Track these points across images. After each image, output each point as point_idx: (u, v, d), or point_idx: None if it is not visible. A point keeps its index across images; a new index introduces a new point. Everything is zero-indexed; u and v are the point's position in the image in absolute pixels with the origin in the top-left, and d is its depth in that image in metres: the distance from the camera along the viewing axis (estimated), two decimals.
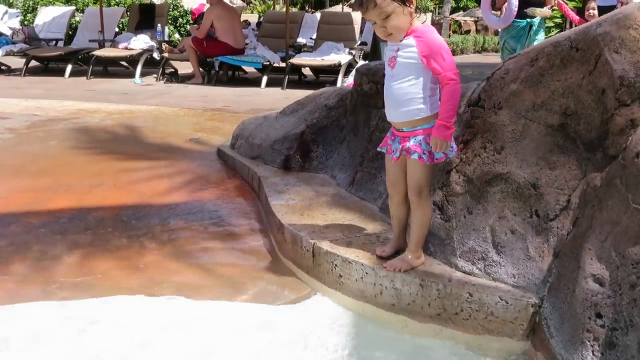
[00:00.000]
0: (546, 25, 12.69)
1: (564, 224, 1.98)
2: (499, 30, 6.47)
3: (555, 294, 1.87)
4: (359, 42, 8.91)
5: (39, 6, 11.91)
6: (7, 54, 9.18)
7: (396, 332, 2.10)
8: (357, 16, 9.50)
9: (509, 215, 2.08)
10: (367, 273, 2.19)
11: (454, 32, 20.50)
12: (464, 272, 2.12)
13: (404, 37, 1.98)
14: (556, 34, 11.89)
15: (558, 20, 12.64)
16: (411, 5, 1.94)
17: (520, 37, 6.02)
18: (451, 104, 1.94)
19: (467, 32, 21.13)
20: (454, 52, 16.04)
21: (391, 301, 2.14)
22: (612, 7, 4.72)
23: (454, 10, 21.42)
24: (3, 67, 9.54)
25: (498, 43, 6.81)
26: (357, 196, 2.99)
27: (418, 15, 1.99)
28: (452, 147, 2.04)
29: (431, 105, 2.00)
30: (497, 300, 1.95)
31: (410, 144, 2.04)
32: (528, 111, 2.11)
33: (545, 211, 2.01)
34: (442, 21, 14.88)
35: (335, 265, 2.29)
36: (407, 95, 2.01)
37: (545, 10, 5.97)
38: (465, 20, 20.82)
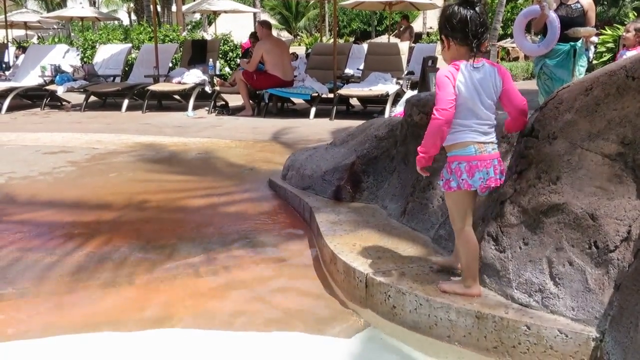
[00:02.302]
0: (598, 50, 12.46)
1: (625, 255, 1.93)
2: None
3: (617, 327, 1.82)
4: (406, 72, 8.95)
5: (97, 44, 12.50)
6: (69, 90, 9.63)
7: None
8: (404, 46, 9.57)
9: (566, 246, 2.05)
10: (421, 304, 2.19)
11: (502, 59, 20.33)
12: (521, 304, 2.09)
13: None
14: (610, 58, 11.65)
15: (610, 45, 12.39)
16: (443, 44, 2.12)
17: (565, 63, 5.57)
18: (426, 136, 2.11)
19: (516, 59, 20.91)
20: None
21: (446, 333, 2.13)
22: None
23: (501, 38, 21.26)
24: (64, 103, 10.02)
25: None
26: (409, 226, 2.99)
27: (474, 55, 2.08)
28: (465, 179, 2.09)
29: (449, 136, 2.12)
30: (557, 333, 1.92)
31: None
32: (584, 141, 2.09)
33: (605, 242, 1.97)
34: (489, 48, 14.78)
35: (389, 296, 2.29)
36: None
37: (590, 29, 5.50)
38: (513, 47, 20.61)
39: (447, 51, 2.11)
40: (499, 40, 19.58)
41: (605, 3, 19.26)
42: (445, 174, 2.15)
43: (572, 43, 5.55)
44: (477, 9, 2.03)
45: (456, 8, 2.04)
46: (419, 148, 2.14)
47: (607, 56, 12.23)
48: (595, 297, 1.95)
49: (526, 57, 18.82)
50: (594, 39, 5.57)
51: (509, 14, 23.61)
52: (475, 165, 2.09)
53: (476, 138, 2.10)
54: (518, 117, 2.20)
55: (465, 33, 2.04)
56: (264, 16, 26.89)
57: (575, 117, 2.13)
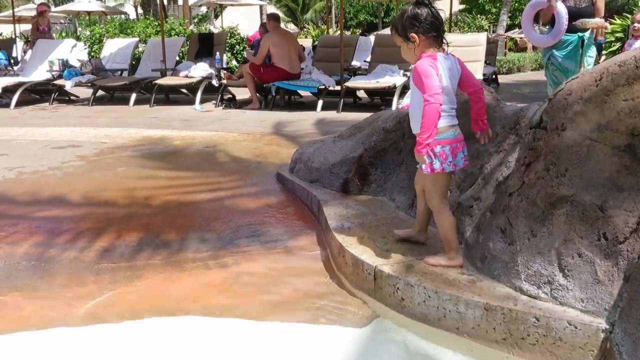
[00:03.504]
0: (607, 39, 12.36)
1: (634, 246, 1.92)
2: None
3: (627, 319, 1.82)
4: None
5: (104, 38, 12.52)
6: (76, 84, 9.67)
7: (462, 355, 2.09)
8: None
9: (575, 238, 2.05)
10: (429, 296, 2.19)
11: (510, 50, 20.20)
12: (530, 296, 2.09)
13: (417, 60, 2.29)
14: (619, 48, 11.55)
15: (619, 35, 12.29)
16: (414, 42, 2.26)
17: (573, 54, 5.57)
18: (426, 122, 2.19)
19: (524, 49, 20.78)
20: (510, 71, 15.82)
21: (455, 325, 2.13)
22: None
23: (509, 28, 21.12)
24: (72, 97, 10.06)
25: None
26: None
27: (442, 45, 2.29)
28: (455, 162, 2.30)
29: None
30: (566, 325, 1.92)
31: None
32: (593, 132, 2.08)
33: (614, 234, 1.97)
34: (497, 39, 14.69)
35: (397, 288, 2.30)
36: (413, 112, 2.36)
37: (598, 20, 5.48)
38: (521, 38, 20.49)
39: (417, 47, 2.27)
40: (507, 31, 19.46)
41: None
42: (426, 158, 2.27)
43: (580, 34, 5.50)
44: (431, 8, 2.27)
45: (417, 8, 2.26)
46: (420, 136, 2.21)
47: (616, 45, 12.13)
48: (605, 288, 1.95)
49: (534, 48, 18.70)
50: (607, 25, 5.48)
51: (516, 4, 23.46)
52: (456, 147, 2.32)
53: (452, 121, 2.31)
54: (480, 96, 2.41)
55: (434, 26, 2.26)
56: (270, 8, 26.85)
57: (584, 108, 2.12)
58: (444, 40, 2.29)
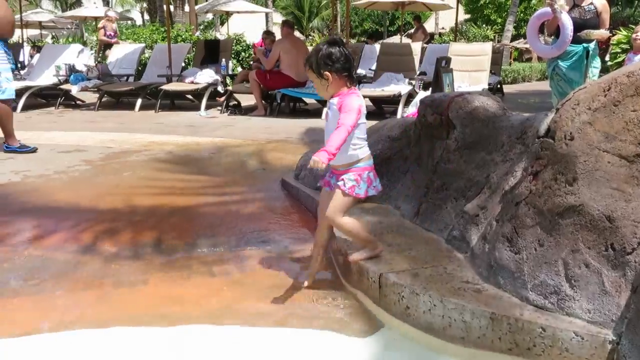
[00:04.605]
0: (613, 50, 12.36)
1: None
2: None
3: (634, 330, 1.81)
4: (418, 72, 8.93)
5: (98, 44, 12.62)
6: (83, 89, 9.71)
7: None
8: (416, 47, 9.56)
9: (582, 248, 2.04)
10: (435, 305, 2.18)
11: (515, 60, 20.21)
12: (536, 306, 2.08)
13: (331, 97, 2.42)
14: (624, 59, 11.54)
15: (625, 46, 12.28)
16: (327, 80, 2.38)
17: (577, 65, 5.55)
18: (339, 141, 2.28)
19: (529, 59, 20.78)
20: (515, 81, 15.82)
21: (460, 334, 2.12)
22: None
23: (514, 38, 21.14)
24: (79, 102, 10.10)
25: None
26: (422, 227, 2.98)
27: (351, 86, 2.42)
28: (376, 186, 2.48)
29: (353, 151, 2.42)
30: (572, 335, 1.90)
31: (343, 178, 2.44)
32: (601, 142, 2.07)
33: (622, 244, 1.96)
34: (502, 49, 14.70)
35: (403, 296, 2.29)
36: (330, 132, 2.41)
37: (602, 32, 5.48)
38: (526, 48, 20.50)
39: (331, 85, 2.39)
40: (511, 41, 19.48)
41: (620, 3, 19.10)
42: (351, 181, 2.42)
43: (585, 45, 5.50)
44: (343, 47, 2.39)
45: (330, 48, 2.37)
46: (328, 147, 2.28)
47: (622, 57, 12.11)
48: (612, 299, 1.94)
49: (539, 58, 18.71)
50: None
51: (522, 15, 23.49)
52: (375, 173, 2.51)
53: (369, 150, 2.49)
54: None
55: (346, 66, 2.38)
56: (277, 16, 26.93)
57: (592, 118, 2.11)
58: (353, 78, 2.44)
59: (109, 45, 12.43)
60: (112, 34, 12.71)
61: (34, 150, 5.76)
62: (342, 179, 2.44)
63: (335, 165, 2.47)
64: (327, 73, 2.37)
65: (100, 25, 13.56)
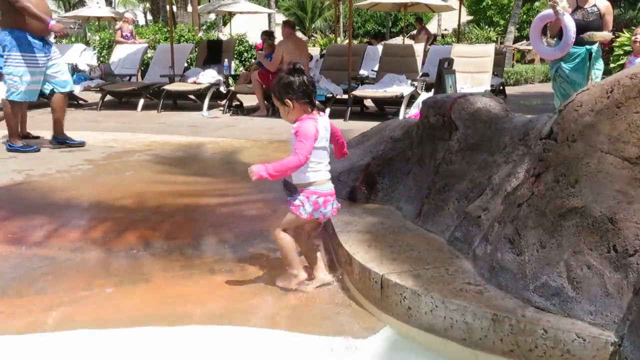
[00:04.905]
0: (616, 53, 12.35)
1: None
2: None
3: (636, 332, 1.80)
4: (420, 74, 8.94)
5: (114, 44, 12.61)
6: (85, 89, 9.72)
7: None
8: (419, 48, 9.56)
9: (584, 250, 2.04)
10: (437, 306, 2.18)
11: (518, 61, 20.20)
12: (538, 307, 2.08)
13: (295, 121, 2.53)
14: (625, 62, 11.52)
15: (628, 48, 12.27)
16: (289, 106, 2.51)
17: (580, 67, 5.54)
18: (282, 166, 2.43)
19: (531, 61, 20.77)
20: (518, 82, 15.81)
21: (462, 335, 2.12)
22: None
23: (516, 40, 21.12)
24: (81, 102, 10.11)
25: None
26: (424, 228, 2.98)
27: (312, 111, 2.53)
28: (323, 212, 2.56)
29: (304, 174, 2.52)
30: (574, 337, 1.90)
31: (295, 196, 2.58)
32: (603, 144, 2.07)
33: (624, 246, 1.95)
34: (504, 50, 14.68)
35: (404, 297, 2.29)
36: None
37: (605, 34, 5.46)
38: (529, 50, 20.50)
39: (292, 111, 2.51)
40: (514, 43, 19.47)
41: (623, 5, 19.08)
42: (299, 201, 2.53)
43: (587, 47, 5.50)
44: (304, 74, 2.52)
45: (291, 77, 2.49)
46: (271, 170, 2.41)
47: (624, 59, 12.11)
48: (614, 301, 1.94)
49: (541, 60, 18.71)
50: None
51: (524, 16, 23.48)
52: (328, 200, 2.57)
53: (327, 175, 2.58)
54: (342, 145, 2.75)
55: (306, 93, 2.50)
56: (279, 17, 26.95)
57: (595, 120, 2.11)
58: (315, 104, 2.55)
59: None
60: (129, 34, 12.75)
61: (37, 150, 5.79)
62: (294, 197, 2.57)
63: (294, 182, 2.62)
64: (287, 100, 2.50)
65: (117, 26, 13.72)
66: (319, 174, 2.54)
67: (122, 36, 12.70)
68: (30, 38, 5.50)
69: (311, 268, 2.72)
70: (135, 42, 12.21)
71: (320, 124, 2.53)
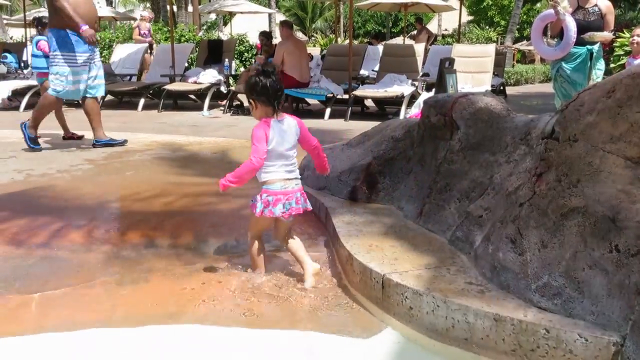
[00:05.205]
0: (616, 53, 12.34)
1: None
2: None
3: (638, 332, 1.80)
4: (421, 74, 8.93)
5: (114, 44, 12.61)
6: None
7: None
8: (419, 48, 9.56)
9: (586, 249, 2.03)
10: (438, 306, 2.18)
11: (518, 62, 20.19)
12: (540, 307, 2.07)
13: (259, 120, 2.63)
14: (625, 63, 11.51)
15: (628, 48, 12.26)
16: (252, 106, 2.63)
17: (581, 67, 5.54)
18: (238, 172, 2.55)
19: (532, 61, 20.77)
20: (518, 82, 15.81)
21: (463, 335, 2.11)
22: None
23: (517, 40, 21.13)
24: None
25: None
26: (426, 228, 2.98)
27: (274, 113, 2.61)
28: (273, 210, 2.61)
29: (258, 174, 2.63)
30: (576, 337, 1.90)
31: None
32: (605, 143, 2.07)
33: (626, 246, 1.95)
34: (505, 51, 14.68)
35: (406, 297, 2.28)
36: None
37: (606, 34, 5.47)
38: (529, 50, 20.50)
39: (256, 110, 2.63)
40: (514, 43, 19.47)
41: (623, 6, 19.07)
42: (257, 199, 2.64)
43: (589, 47, 5.50)
44: (273, 77, 2.57)
45: (258, 78, 2.57)
46: (230, 177, 2.55)
47: (625, 59, 12.10)
48: (616, 301, 1.93)
49: (542, 60, 18.71)
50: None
51: (525, 17, 23.48)
52: (279, 199, 2.62)
53: (283, 176, 2.63)
54: (317, 152, 2.84)
55: (267, 96, 2.57)
56: (280, 17, 26.95)
57: (597, 120, 2.11)
58: (276, 108, 2.60)
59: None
60: (147, 32, 12.86)
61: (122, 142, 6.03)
62: (254, 197, 2.67)
63: None
64: (251, 100, 2.63)
65: (134, 25, 13.84)
66: (270, 174, 2.62)
67: (139, 34, 12.78)
68: (73, 37, 5.52)
69: (300, 264, 2.75)
70: (154, 42, 12.29)
71: (276, 128, 2.59)
